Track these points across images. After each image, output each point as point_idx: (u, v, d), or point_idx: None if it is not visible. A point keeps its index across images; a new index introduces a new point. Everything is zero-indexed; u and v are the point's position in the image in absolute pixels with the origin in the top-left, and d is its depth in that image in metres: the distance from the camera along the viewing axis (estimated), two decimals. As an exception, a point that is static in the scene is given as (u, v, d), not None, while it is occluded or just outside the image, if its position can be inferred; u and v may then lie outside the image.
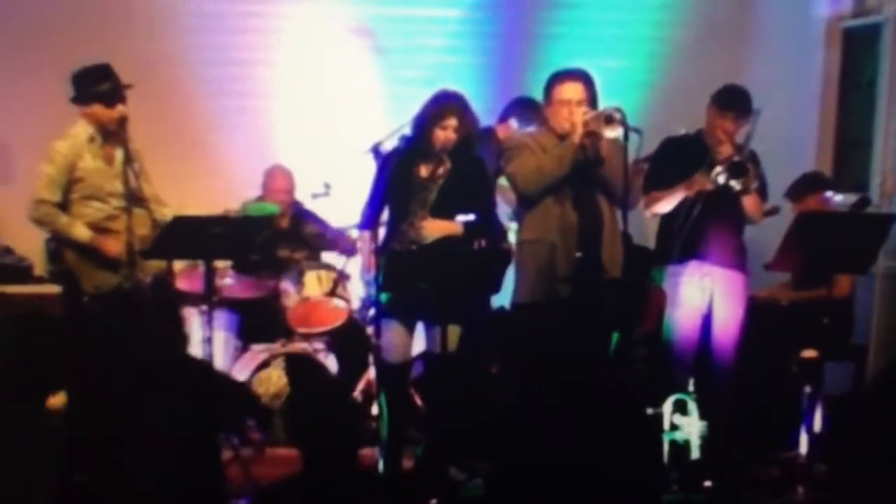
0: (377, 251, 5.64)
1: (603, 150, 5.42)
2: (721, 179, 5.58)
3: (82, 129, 5.74)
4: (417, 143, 5.61)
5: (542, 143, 5.60)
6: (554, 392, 2.83)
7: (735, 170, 5.58)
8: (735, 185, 5.59)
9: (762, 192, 5.88)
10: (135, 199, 5.65)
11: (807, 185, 6.54)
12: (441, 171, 5.57)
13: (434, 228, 5.53)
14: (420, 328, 5.68)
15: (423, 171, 5.59)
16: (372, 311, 5.67)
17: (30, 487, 3.86)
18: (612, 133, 5.32)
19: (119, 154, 5.70)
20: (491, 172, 6.48)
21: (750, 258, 5.93)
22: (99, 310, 5.68)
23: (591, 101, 5.56)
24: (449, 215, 5.57)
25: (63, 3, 7.56)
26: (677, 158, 5.85)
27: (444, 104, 5.56)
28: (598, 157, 5.44)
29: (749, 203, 5.75)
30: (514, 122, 6.63)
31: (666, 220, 5.93)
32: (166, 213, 5.75)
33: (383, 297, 5.47)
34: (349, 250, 6.52)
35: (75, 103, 5.76)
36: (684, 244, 5.79)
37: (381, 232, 5.77)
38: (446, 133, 5.52)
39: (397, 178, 5.60)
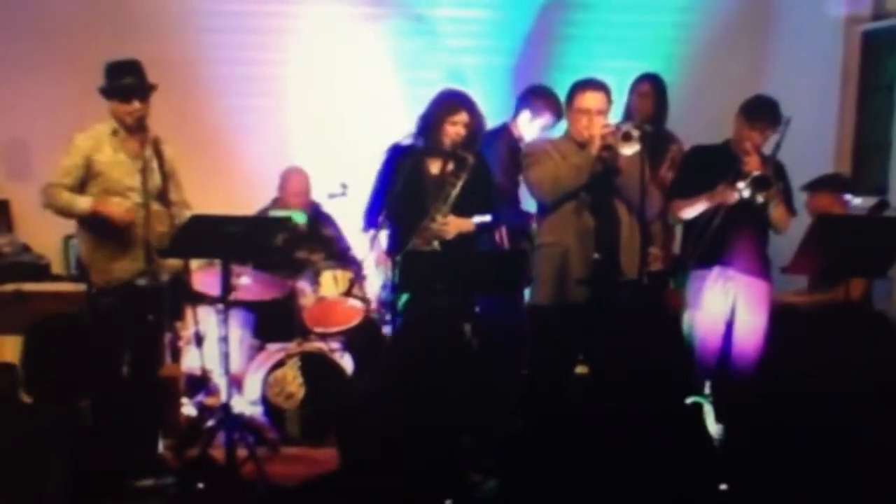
0: (389, 251, 5.63)
1: (620, 162, 5.45)
2: (746, 193, 5.60)
3: (108, 123, 5.74)
4: (426, 141, 5.61)
5: (562, 149, 5.64)
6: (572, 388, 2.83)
7: (759, 184, 5.60)
8: (759, 198, 5.62)
9: (788, 202, 5.88)
10: (153, 195, 5.64)
11: (824, 182, 6.53)
12: (451, 167, 5.57)
13: (456, 226, 5.53)
14: None
15: (433, 168, 5.60)
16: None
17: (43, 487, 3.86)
18: (629, 150, 5.38)
19: (147, 151, 5.66)
20: (504, 170, 6.51)
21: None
22: (105, 304, 5.67)
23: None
24: (468, 213, 5.58)
25: (81, 3, 7.61)
26: (704, 167, 5.87)
27: (454, 100, 5.59)
28: (615, 170, 5.48)
29: (776, 213, 5.76)
30: (526, 114, 6.61)
31: (690, 225, 5.97)
32: None
33: (402, 299, 5.47)
34: (354, 268, 6.54)
35: (102, 94, 5.75)
36: (707, 251, 5.82)
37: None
38: (456, 129, 5.55)
39: (409, 176, 5.60)
